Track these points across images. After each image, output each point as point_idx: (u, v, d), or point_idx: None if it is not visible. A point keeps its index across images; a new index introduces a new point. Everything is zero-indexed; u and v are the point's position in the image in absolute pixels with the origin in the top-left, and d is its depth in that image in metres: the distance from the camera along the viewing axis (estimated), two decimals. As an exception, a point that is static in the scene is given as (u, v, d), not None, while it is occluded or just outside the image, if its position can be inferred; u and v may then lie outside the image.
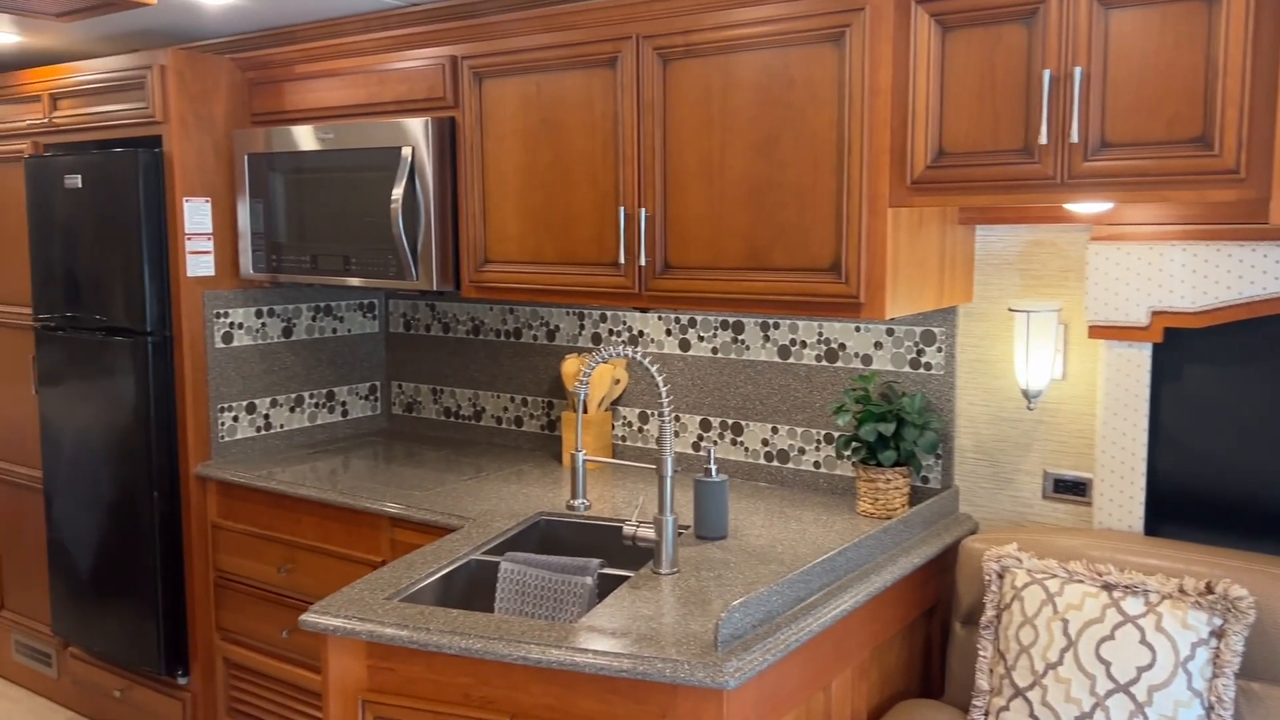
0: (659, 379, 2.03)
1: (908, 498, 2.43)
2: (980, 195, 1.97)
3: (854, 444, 2.45)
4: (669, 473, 2.04)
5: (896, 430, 2.37)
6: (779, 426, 2.70)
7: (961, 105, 1.95)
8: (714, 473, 2.26)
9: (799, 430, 2.67)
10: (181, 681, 3.12)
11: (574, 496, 2.11)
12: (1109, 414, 2.22)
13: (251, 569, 2.92)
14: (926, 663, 2.41)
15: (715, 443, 2.81)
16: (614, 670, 1.66)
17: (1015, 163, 1.90)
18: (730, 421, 2.78)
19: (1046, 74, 1.83)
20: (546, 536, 2.46)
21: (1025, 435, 2.39)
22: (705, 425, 2.82)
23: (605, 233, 2.45)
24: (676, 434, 2.88)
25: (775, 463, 2.72)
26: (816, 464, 2.65)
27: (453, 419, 3.35)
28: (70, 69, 3.20)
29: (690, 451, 2.87)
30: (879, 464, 2.41)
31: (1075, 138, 1.81)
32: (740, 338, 2.74)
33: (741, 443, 2.76)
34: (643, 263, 2.38)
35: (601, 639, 1.73)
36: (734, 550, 2.19)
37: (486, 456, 3.08)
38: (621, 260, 2.41)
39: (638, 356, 2.04)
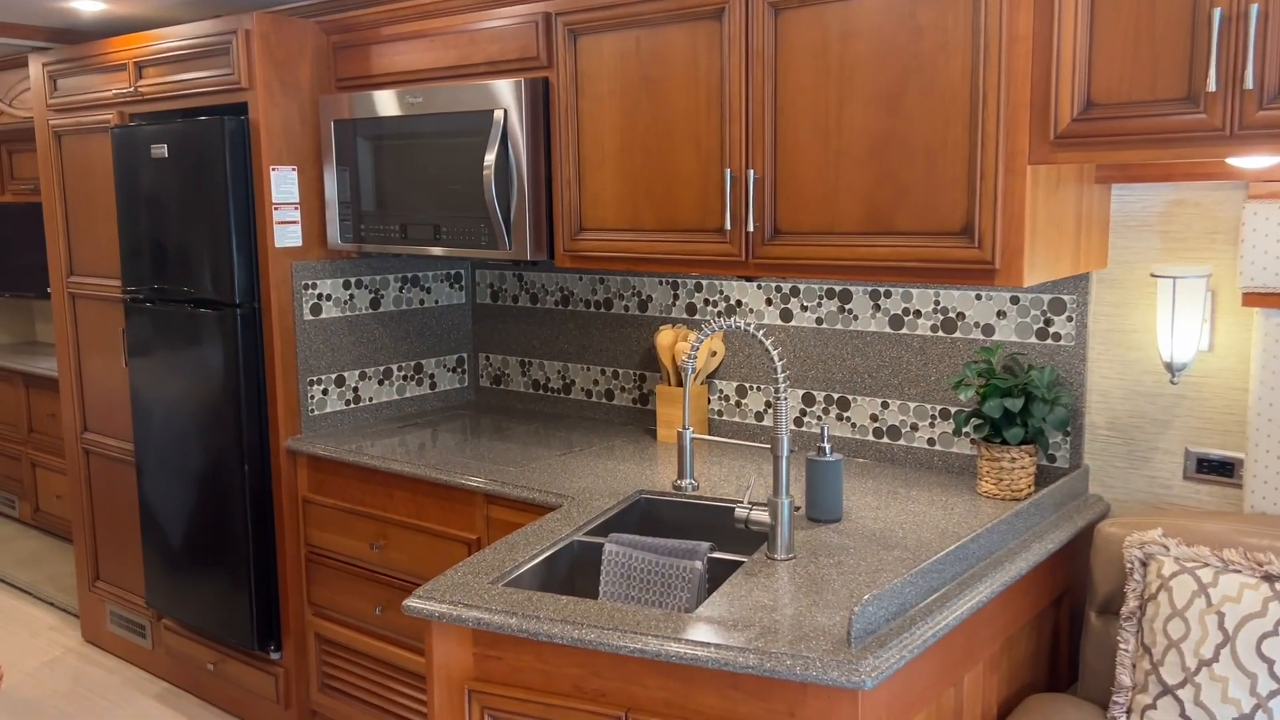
0: (773, 353, 1.90)
1: (1033, 478, 2.28)
2: (1133, 150, 1.79)
3: (975, 421, 2.29)
4: (785, 452, 1.92)
5: (1024, 406, 2.21)
6: (889, 401, 2.55)
7: (1113, 51, 1.77)
8: (828, 451, 2.13)
9: (911, 405, 2.52)
10: (274, 656, 3.09)
11: (681, 475, 2.00)
12: (1265, 388, 2.04)
13: (343, 544, 2.87)
14: (1053, 654, 2.26)
15: (820, 418, 2.68)
16: (739, 666, 1.55)
17: (1176, 113, 1.72)
18: (836, 396, 2.64)
19: (1217, 13, 1.65)
20: (648, 516, 2.36)
21: (1165, 411, 2.21)
22: (809, 400, 2.68)
23: (709, 197, 2.31)
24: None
25: (885, 439, 2.58)
26: (931, 441, 2.51)
27: (541, 392, 3.26)
28: (155, 36, 3.14)
29: (793, 428, 2.74)
30: (1004, 442, 2.25)
31: (1250, 83, 1.63)
32: (848, 307, 2.59)
33: (848, 418, 2.62)
34: (750, 228, 2.24)
35: (721, 631, 1.62)
36: (851, 534, 2.06)
37: (577, 431, 2.98)
38: (727, 226, 2.27)
39: (750, 329, 1.91)
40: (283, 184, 2.92)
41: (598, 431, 2.97)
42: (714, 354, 2.81)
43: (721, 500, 2.28)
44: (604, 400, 3.11)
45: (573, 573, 2.09)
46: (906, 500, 2.27)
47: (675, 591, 1.98)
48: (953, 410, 2.46)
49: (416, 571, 2.69)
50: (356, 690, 2.93)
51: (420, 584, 2.70)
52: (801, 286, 2.66)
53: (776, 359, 1.91)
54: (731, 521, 2.25)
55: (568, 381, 3.19)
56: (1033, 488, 2.27)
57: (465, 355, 3.42)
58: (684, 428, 1.99)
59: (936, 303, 2.46)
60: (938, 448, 2.50)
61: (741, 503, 1.98)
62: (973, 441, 2.35)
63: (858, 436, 2.62)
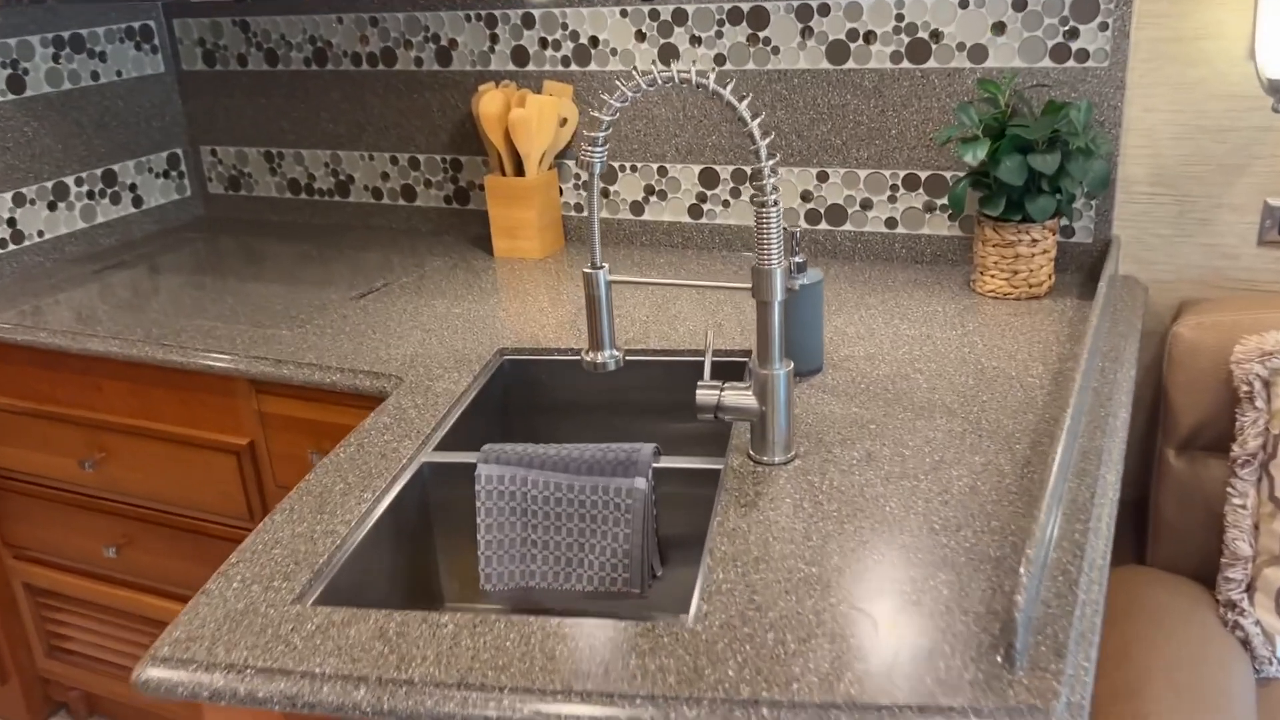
0: (739, 106, 1.07)
1: (1054, 264, 1.61)
2: None
3: (981, 188, 1.57)
4: (778, 292, 1.13)
5: (1060, 163, 1.50)
6: (829, 171, 1.79)
7: None
8: (802, 267, 1.36)
9: (862, 175, 1.77)
10: (-33, 620, 2.14)
11: (597, 348, 1.19)
12: None
13: (39, 462, 1.91)
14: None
15: (728, 203, 1.89)
16: (824, 740, 0.82)
17: None
18: (748, 169, 1.85)
19: None
20: (526, 398, 1.55)
21: (1239, 152, 1.57)
22: (709, 179, 1.88)
23: None
24: (663, 194, 1.94)
25: (825, 225, 1.83)
26: (891, 222, 1.78)
27: (304, 196, 2.28)
28: None
29: (687, 220, 1.94)
30: (1026, 219, 1.56)
31: None
32: (762, 35, 1.75)
33: (767, 198, 1.85)
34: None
35: (750, 669, 0.88)
36: (854, 393, 1.34)
37: (369, 251, 2.07)
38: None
39: (693, 78, 1.07)
40: None
41: (399, 249, 2.07)
42: (564, 122, 1.92)
43: (664, 356, 1.49)
44: (401, 202, 2.18)
45: (431, 522, 1.28)
46: (891, 316, 1.57)
47: (605, 535, 1.21)
48: (923, 176, 1.73)
49: (159, 495, 1.79)
50: (99, 651, 2.06)
51: (172, 513, 1.80)
52: (690, 8, 1.79)
53: (746, 113, 1.08)
54: (665, 392, 1.47)
55: (342, 178, 2.22)
56: (1053, 278, 1.61)
57: (180, 152, 2.35)
58: (594, 265, 1.17)
59: (899, 19, 1.67)
60: (900, 230, 1.78)
61: (705, 381, 1.20)
62: (975, 220, 1.65)
63: (784, 223, 1.86)
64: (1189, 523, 1.48)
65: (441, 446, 1.30)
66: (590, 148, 1.11)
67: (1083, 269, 1.69)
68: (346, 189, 2.23)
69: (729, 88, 1.08)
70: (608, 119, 1.11)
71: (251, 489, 1.68)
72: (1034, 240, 1.56)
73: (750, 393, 1.17)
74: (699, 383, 1.19)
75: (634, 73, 1.09)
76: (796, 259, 1.36)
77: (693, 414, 1.42)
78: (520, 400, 1.55)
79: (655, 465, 1.21)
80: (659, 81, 1.08)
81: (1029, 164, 1.50)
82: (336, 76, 2.14)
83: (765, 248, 1.12)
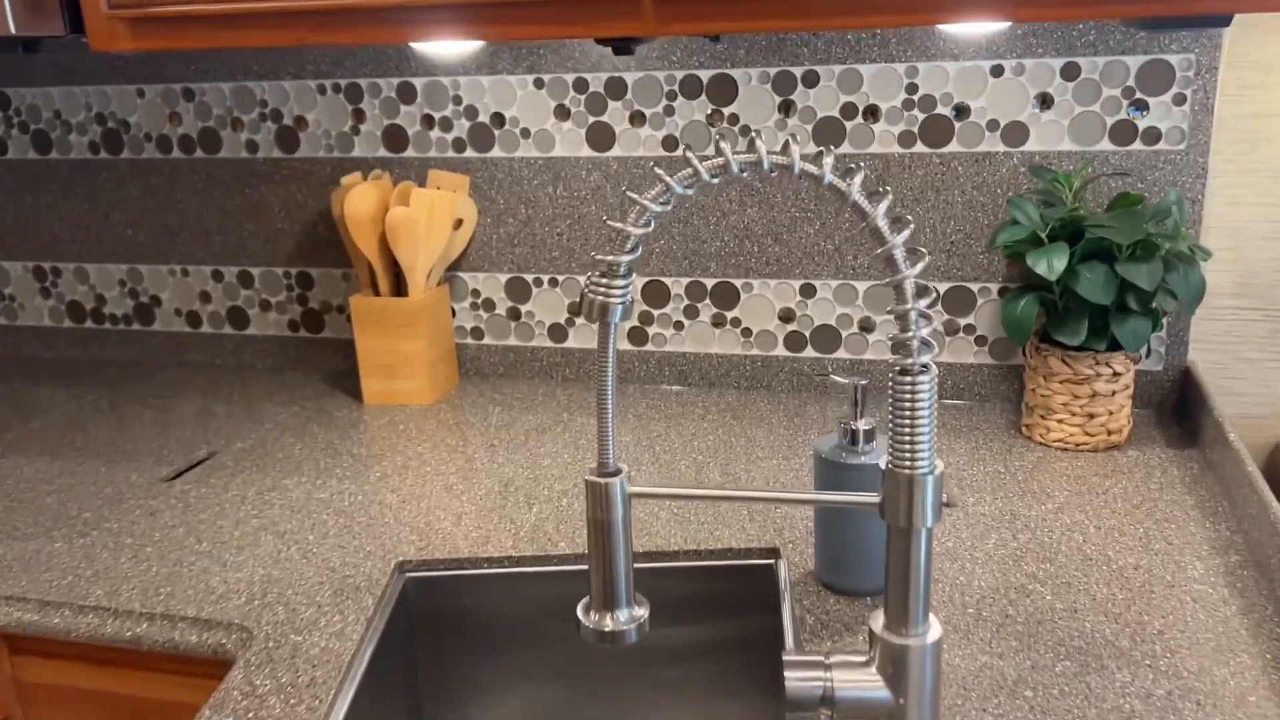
0: (873, 215, 0.66)
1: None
2: None
3: (1041, 304, 1.19)
4: (928, 514, 0.68)
5: (1160, 275, 1.13)
6: (815, 283, 1.38)
7: None
8: (872, 435, 0.92)
9: (860, 288, 1.37)
10: None
11: (609, 606, 0.71)
12: None
13: None
14: None
15: (680, 326, 1.45)
16: None
17: None
18: (710, 284, 1.42)
19: None
20: (460, 647, 1.03)
21: (1346, 257, 1.25)
22: (656, 295, 1.44)
23: None
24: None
25: (810, 351, 1.41)
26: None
27: (89, 325, 1.70)
28: None
29: (627, 346, 1.48)
30: (1113, 345, 1.18)
31: None
32: (729, 111, 1.34)
33: (736, 320, 1.42)
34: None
35: None
36: (967, 626, 0.90)
37: (185, 400, 1.51)
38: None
39: (798, 163, 0.63)
40: None
41: (227, 397, 1.52)
42: (458, 224, 1.44)
43: (652, 562, 1.01)
44: (228, 330, 1.63)
45: None
46: (945, 483, 1.15)
47: None
48: (942, 289, 1.34)
49: None
50: None
51: None
52: (630, 77, 1.36)
53: (887, 231, 0.67)
54: (665, 611, 1.00)
55: (144, 299, 1.66)
56: (1132, 420, 1.24)
57: (-90, 268, 1.73)
58: (604, 470, 0.69)
59: (911, 90, 1.28)
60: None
61: (795, 655, 0.73)
62: (1031, 351, 1.26)
63: (751, 353, 1.43)
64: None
65: (332, 774, 0.77)
66: (608, 283, 0.65)
67: (1151, 404, 1.32)
68: (150, 314, 1.66)
69: (858, 181, 0.64)
70: (637, 232, 0.65)
71: (1, 796, 1.08)
72: (1115, 374, 1.19)
73: (876, 673, 0.70)
74: (787, 657, 0.72)
75: (688, 156, 0.64)
76: (864, 424, 0.92)
77: (708, 651, 0.95)
78: (444, 648, 1.04)
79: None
80: (733, 168, 0.63)
81: (1119, 276, 1.12)
82: (136, 167, 1.59)
83: (912, 437, 0.67)
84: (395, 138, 1.47)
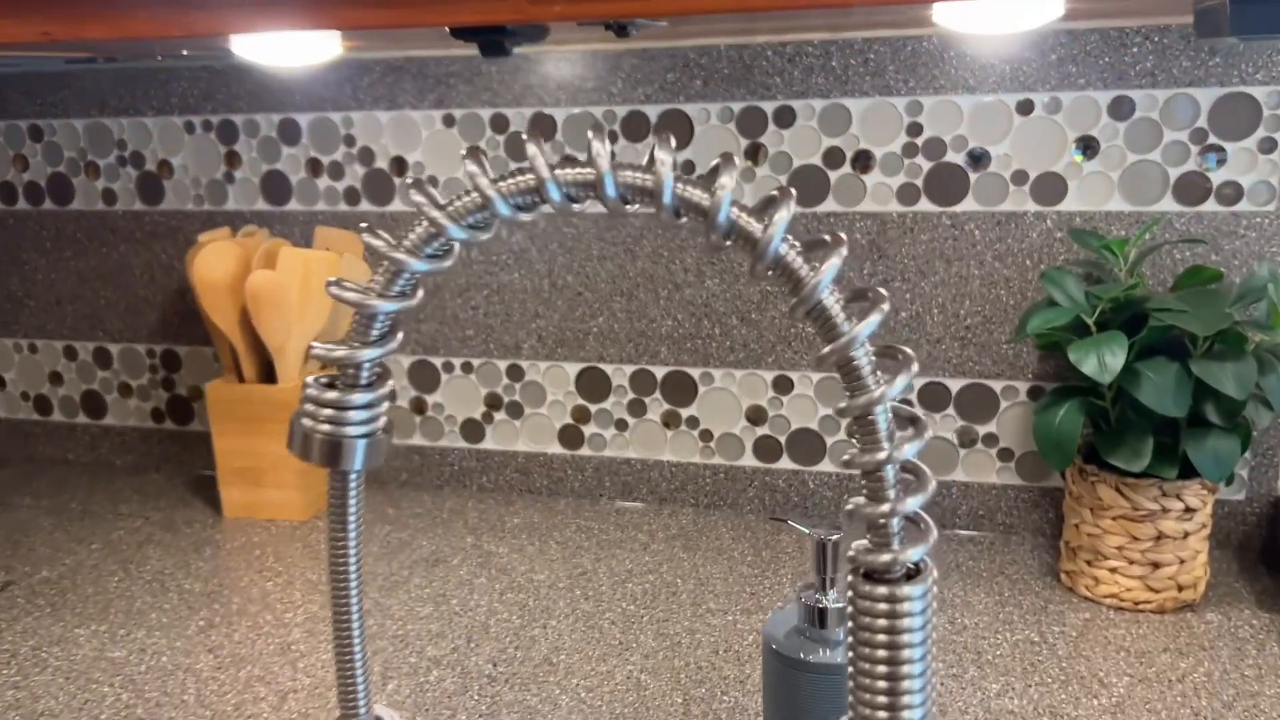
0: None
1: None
2: None
3: (1088, 414, 0.89)
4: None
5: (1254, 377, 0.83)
6: (791, 375, 1.08)
7: None
8: (826, 604, 0.61)
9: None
10: None
11: None
12: None
13: None
14: None
15: (623, 425, 1.15)
16: None
17: None
18: (661, 373, 1.12)
19: None
20: None
21: None
22: (593, 386, 1.14)
23: None
24: (516, 409, 1.17)
25: (787, 462, 1.11)
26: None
27: (-73, 407, 1.41)
28: None
29: (558, 450, 1.18)
30: (1188, 472, 0.87)
31: None
32: (682, 157, 1.06)
33: (693, 420, 1.12)
34: None
35: None
36: None
37: (19, 505, 1.21)
38: None
39: (674, 190, 0.33)
40: None
41: (62, 504, 1.22)
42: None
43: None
44: (84, 419, 1.34)
45: None
46: (967, 660, 0.83)
47: None
48: (954, 389, 1.04)
49: None
50: None
51: None
52: (559, 114, 1.08)
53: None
54: None
55: (-13, 379, 1.37)
56: (1209, 571, 0.92)
57: None
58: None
59: (914, 131, 1.00)
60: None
61: None
62: (1075, 473, 0.96)
63: (712, 462, 1.13)
64: None
65: None
66: (338, 399, 0.35)
67: (1230, 545, 1.01)
68: (-6, 397, 1.37)
69: (782, 218, 0.34)
70: (385, 306, 0.35)
71: None
72: (1188, 510, 0.88)
73: None
74: None
75: (469, 170, 0.36)
76: (834, 598, 0.62)
77: None
78: None
79: None
80: (551, 192, 0.34)
81: (1195, 378, 0.82)
82: (-23, 219, 1.31)
83: (890, 696, 0.36)
84: (276, 186, 1.19)
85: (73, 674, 0.85)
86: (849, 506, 0.39)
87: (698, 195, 0.34)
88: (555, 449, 1.18)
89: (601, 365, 1.14)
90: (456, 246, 0.38)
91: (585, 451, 1.17)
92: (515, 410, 1.18)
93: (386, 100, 1.13)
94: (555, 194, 0.35)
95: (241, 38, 0.80)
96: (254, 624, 0.93)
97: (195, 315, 1.26)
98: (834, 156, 1.03)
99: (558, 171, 0.35)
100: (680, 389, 1.12)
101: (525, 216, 0.36)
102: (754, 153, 1.04)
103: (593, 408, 1.16)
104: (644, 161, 0.35)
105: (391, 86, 1.13)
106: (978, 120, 0.99)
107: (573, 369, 1.15)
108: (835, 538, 0.62)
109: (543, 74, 1.08)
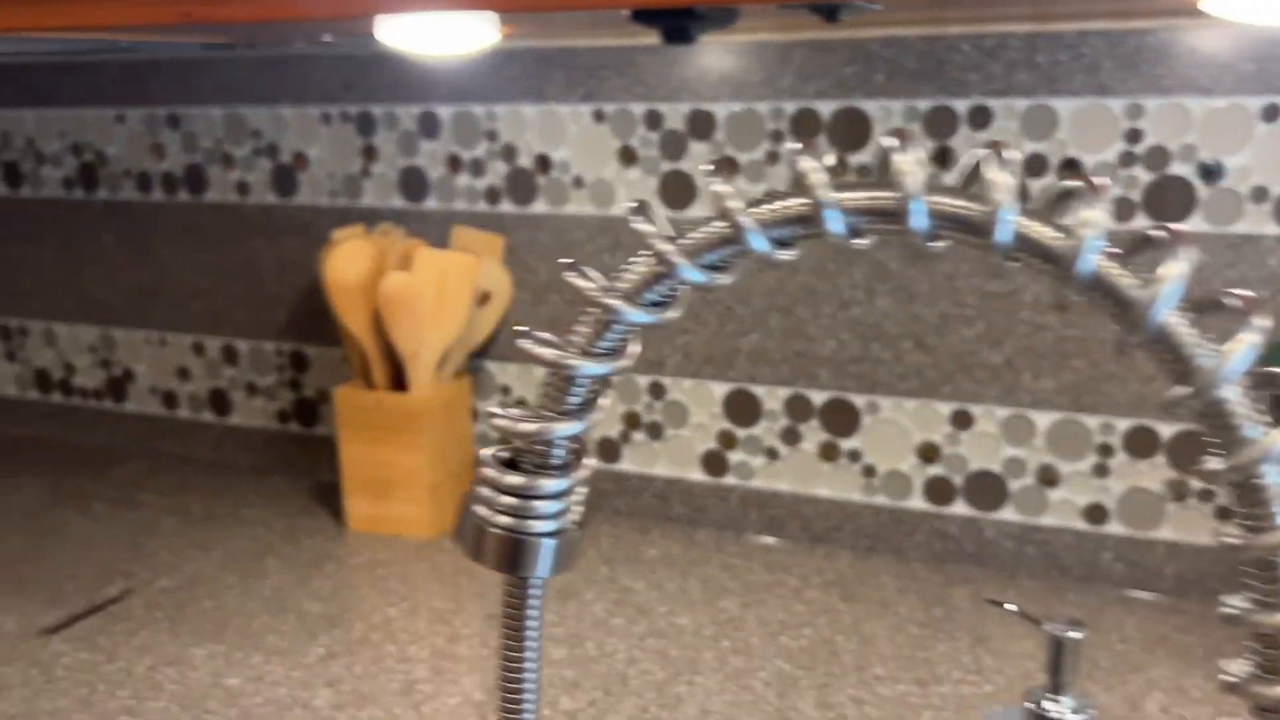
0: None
1: None
2: None
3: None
4: None
5: None
6: (974, 409, 0.96)
7: None
8: (1060, 715, 0.50)
9: (1039, 419, 0.94)
10: None
11: None
12: None
13: None
14: None
15: (773, 455, 1.04)
16: None
17: None
18: (820, 399, 1.01)
19: None
20: None
21: None
22: (742, 409, 1.04)
23: None
24: (655, 429, 1.08)
25: (961, 506, 0.99)
26: (1096, 514, 0.94)
27: (57, 397, 1.39)
28: None
29: (698, 477, 1.08)
30: None
31: None
32: (851, 135, 0.95)
33: (855, 453, 1.01)
34: None
35: None
36: None
37: (138, 502, 1.17)
38: None
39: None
40: None
41: (182, 505, 1.18)
42: (485, 300, 1.08)
43: None
44: (207, 416, 1.31)
45: None
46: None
47: None
48: (1164, 435, 0.90)
49: None
50: None
51: None
52: (721, 111, 0.98)
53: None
54: None
55: (116, 372, 1.35)
56: None
57: None
58: None
59: (1132, 135, 0.87)
60: (1113, 530, 0.94)
61: None
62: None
63: (875, 501, 1.02)
64: None
65: None
66: (524, 487, 0.26)
67: None
68: (122, 390, 1.35)
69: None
70: (589, 369, 0.25)
71: None
72: None
73: None
74: None
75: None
76: (1071, 708, 0.50)
77: None
78: None
79: None
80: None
81: None
82: (112, 210, 1.29)
83: None
84: (413, 183, 1.13)
85: (188, 702, 0.79)
86: (1229, 610, 0.28)
87: (1049, 235, 0.24)
88: (697, 475, 1.08)
89: (752, 387, 1.04)
90: (686, 292, 0.29)
91: (730, 480, 1.07)
92: (655, 430, 1.09)
93: (533, 93, 1.05)
94: (837, 225, 0.25)
95: (390, 20, 0.73)
96: (376, 655, 0.86)
97: (325, 314, 1.21)
98: (1037, 164, 0.90)
99: (841, 195, 0.25)
100: (841, 417, 1.02)
101: (784, 255, 0.26)
102: (943, 157, 0.93)
103: (740, 433, 1.06)
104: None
105: (539, 78, 1.05)
106: (1211, 126, 0.85)
107: (720, 389, 1.05)
108: (1076, 636, 0.51)
109: (701, 66, 0.99)
